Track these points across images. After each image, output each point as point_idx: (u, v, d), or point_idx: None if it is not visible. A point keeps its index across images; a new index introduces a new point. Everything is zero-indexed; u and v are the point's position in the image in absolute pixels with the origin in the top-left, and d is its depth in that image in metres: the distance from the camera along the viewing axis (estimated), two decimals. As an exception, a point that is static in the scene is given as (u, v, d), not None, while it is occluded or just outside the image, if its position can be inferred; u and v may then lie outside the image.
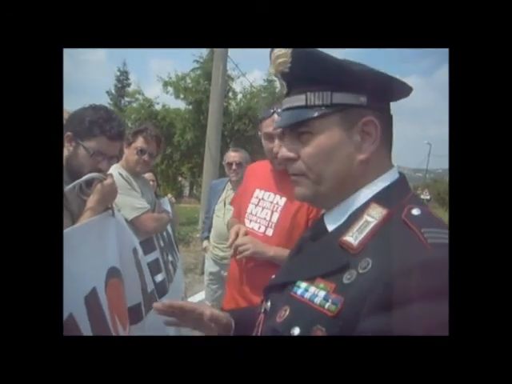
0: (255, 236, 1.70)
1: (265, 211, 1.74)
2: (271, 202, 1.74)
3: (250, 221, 1.77)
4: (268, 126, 1.66)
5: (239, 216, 1.89)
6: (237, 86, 15.58)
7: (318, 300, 0.64)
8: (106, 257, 1.36)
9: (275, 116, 1.62)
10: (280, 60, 0.71)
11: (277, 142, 1.64)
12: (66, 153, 1.45)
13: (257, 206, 1.77)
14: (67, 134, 1.44)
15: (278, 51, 0.71)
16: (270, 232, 1.70)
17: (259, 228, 1.73)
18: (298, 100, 0.71)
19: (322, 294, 0.64)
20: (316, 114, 0.70)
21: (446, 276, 0.55)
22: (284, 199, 1.71)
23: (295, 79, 0.72)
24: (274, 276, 0.86)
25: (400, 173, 0.76)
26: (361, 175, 0.72)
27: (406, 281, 0.55)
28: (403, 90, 0.76)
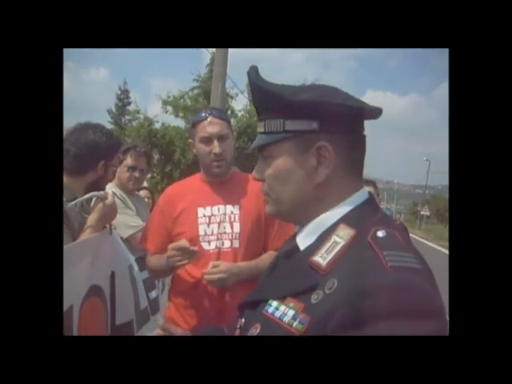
0: (225, 255, 1.59)
1: (223, 225, 1.61)
2: (225, 214, 1.63)
3: (209, 242, 1.61)
4: (204, 129, 1.59)
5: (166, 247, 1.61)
6: (236, 105, 15.74)
7: (286, 319, 0.66)
8: (90, 274, 1.34)
9: (210, 118, 1.58)
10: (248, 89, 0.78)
11: (216, 142, 1.58)
12: (93, 177, 1.49)
13: (210, 224, 1.62)
14: (102, 162, 1.49)
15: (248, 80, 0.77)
16: (236, 244, 1.60)
17: (223, 244, 1.61)
18: (260, 126, 0.78)
19: (291, 313, 0.66)
20: (272, 140, 0.75)
21: (404, 298, 0.57)
22: (237, 207, 1.63)
23: (257, 107, 0.80)
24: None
25: (369, 193, 0.78)
26: (323, 197, 0.74)
27: (366, 302, 0.57)
28: (370, 113, 0.76)
